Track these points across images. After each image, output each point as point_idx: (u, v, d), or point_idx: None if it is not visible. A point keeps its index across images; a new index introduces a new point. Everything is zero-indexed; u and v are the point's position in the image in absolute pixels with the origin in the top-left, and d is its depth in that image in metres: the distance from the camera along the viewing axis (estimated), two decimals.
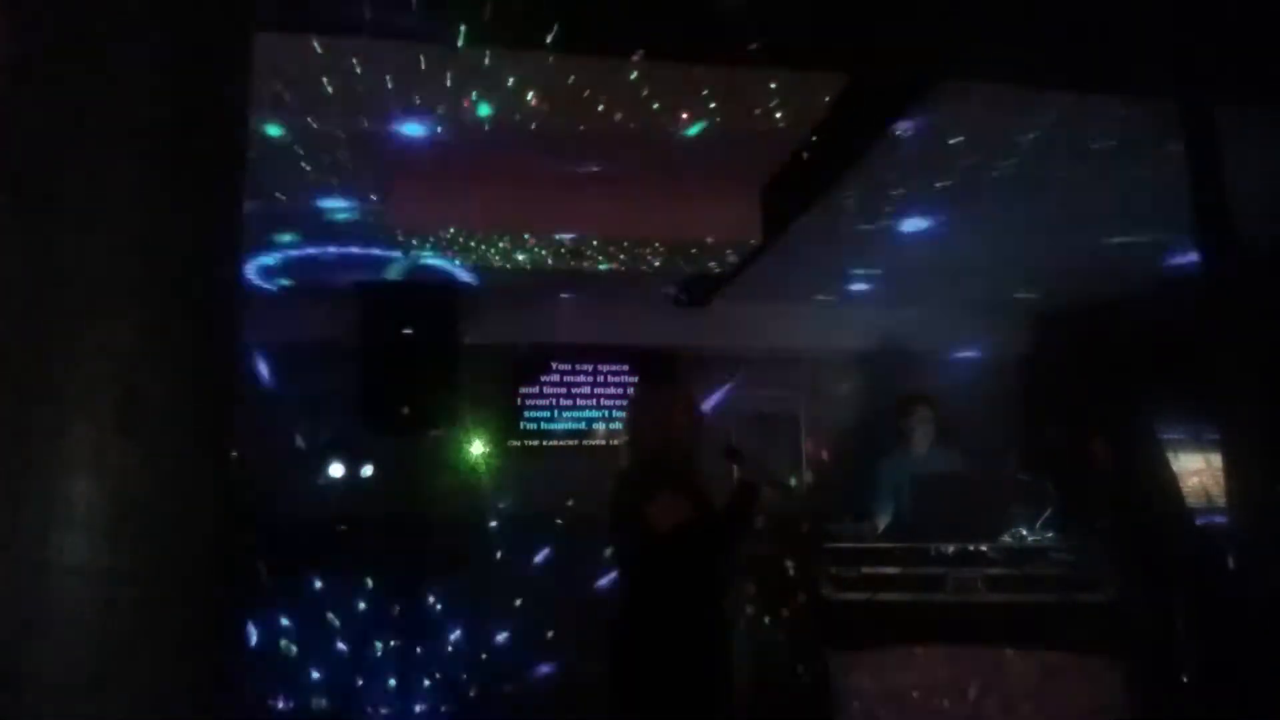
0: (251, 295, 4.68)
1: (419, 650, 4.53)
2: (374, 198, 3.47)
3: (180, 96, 1.32)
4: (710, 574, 2.55)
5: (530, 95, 2.65)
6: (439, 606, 4.69)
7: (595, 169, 3.30)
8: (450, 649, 4.64)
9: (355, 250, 4.14)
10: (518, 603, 4.75)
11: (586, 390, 5.38)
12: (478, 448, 5.09)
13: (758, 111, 2.77)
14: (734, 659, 2.68)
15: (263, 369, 4.87)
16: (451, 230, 3.55)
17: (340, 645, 4.49)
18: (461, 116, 2.78)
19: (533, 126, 2.88)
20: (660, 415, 2.68)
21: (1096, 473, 3.47)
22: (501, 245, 3.72)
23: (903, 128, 2.79)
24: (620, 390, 5.41)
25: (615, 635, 2.55)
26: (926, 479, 3.76)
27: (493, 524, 4.90)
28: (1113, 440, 3.48)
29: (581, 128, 2.88)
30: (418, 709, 4.44)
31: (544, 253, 3.86)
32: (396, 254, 4.04)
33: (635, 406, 2.87)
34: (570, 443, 5.31)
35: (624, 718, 2.50)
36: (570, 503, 5.02)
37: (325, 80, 2.55)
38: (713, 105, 2.75)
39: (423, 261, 4.03)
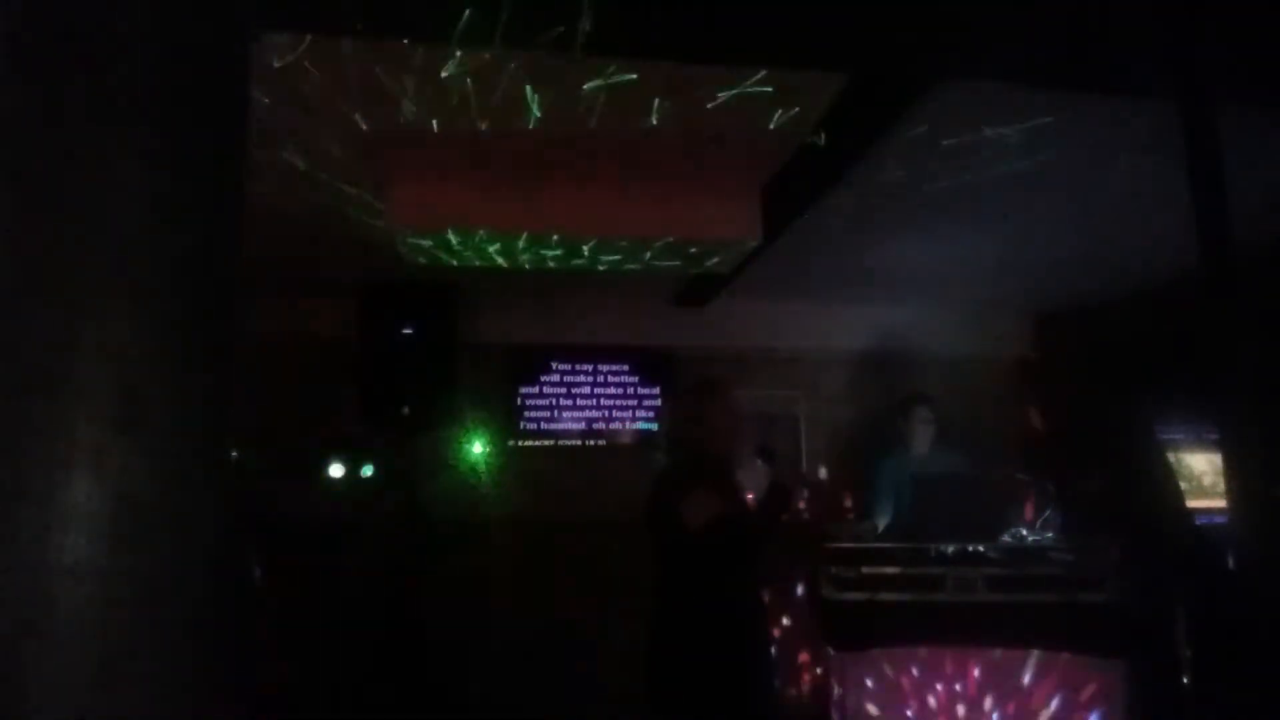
0: (251, 294, 4.68)
1: (418, 651, 4.52)
2: (373, 197, 3.47)
3: (180, 96, 1.32)
4: (742, 571, 2.57)
5: (530, 95, 2.66)
6: (439, 607, 4.69)
7: (595, 169, 3.30)
8: (451, 649, 4.63)
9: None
10: (519, 603, 4.75)
11: (586, 390, 5.38)
12: (478, 448, 5.08)
13: (758, 111, 2.77)
14: (772, 656, 2.70)
15: (262, 368, 4.86)
16: (452, 230, 3.54)
17: (338, 646, 4.48)
18: (462, 116, 2.78)
19: (533, 126, 2.88)
20: (699, 415, 2.71)
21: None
22: (502, 245, 3.72)
23: (903, 128, 2.79)
24: (620, 390, 5.41)
25: (651, 629, 2.59)
26: (926, 479, 3.77)
27: (492, 525, 4.89)
28: (1112, 441, 3.49)
29: (581, 127, 2.89)
30: (417, 709, 4.43)
31: (544, 252, 3.86)
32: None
33: (677, 405, 2.88)
34: (570, 443, 5.31)
35: (660, 707, 2.53)
36: (570, 504, 5.02)
37: (325, 80, 2.55)
38: (713, 105, 2.75)
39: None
